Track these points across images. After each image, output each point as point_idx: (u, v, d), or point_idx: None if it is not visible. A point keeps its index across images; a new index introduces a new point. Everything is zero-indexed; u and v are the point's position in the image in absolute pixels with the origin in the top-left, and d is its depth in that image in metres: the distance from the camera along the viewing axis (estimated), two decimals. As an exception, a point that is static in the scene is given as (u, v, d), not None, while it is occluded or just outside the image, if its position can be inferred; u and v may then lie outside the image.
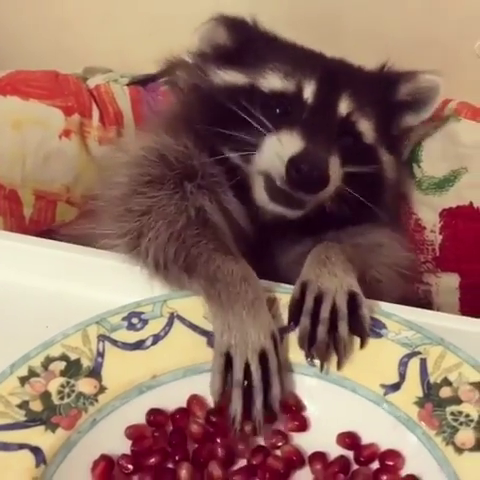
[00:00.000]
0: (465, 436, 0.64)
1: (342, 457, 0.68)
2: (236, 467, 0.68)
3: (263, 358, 0.71)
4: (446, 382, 0.68)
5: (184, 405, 0.71)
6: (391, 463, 0.67)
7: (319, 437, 0.70)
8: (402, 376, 0.69)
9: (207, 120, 0.93)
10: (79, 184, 1.15)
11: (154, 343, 0.73)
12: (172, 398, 0.71)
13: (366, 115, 0.96)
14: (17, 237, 0.88)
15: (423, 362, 0.70)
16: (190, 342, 0.74)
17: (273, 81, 0.96)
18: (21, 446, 0.64)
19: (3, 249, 0.85)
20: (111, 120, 1.18)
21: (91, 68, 1.23)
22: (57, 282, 0.82)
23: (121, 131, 1.17)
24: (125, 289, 0.78)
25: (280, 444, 0.69)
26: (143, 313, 0.75)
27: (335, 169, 0.88)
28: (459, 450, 0.64)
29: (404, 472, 0.66)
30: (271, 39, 1.03)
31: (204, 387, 0.71)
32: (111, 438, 0.68)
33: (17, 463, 0.63)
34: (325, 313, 0.74)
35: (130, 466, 0.67)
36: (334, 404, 0.71)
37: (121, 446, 0.68)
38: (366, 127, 0.96)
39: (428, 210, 1.07)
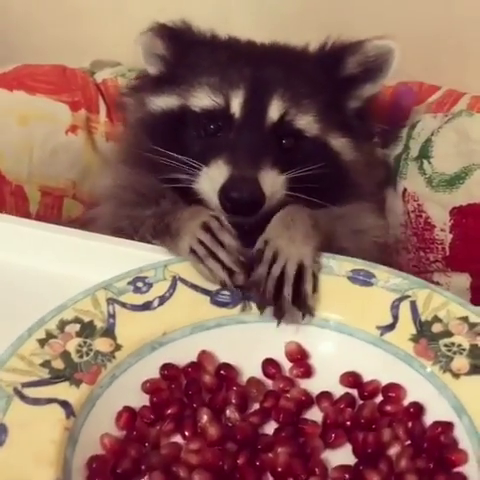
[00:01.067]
0: (460, 363, 0.71)
1: (347, 394, 0.73)
2: (251, 411, 0.73)
3: None
4: (436, 319, 0.74)
5: (194, 360, 0.75)
6: (393, 394, 0.72)
7: (324, 380, 0.75)
8: (395, 317, 0.75)
9: (152, 147, 0.94)
10: (86, 179, 1.16)
11: (161, 304, 0.77)
12: (183, 353, 0.75)
13: (304, 109, 0.95)
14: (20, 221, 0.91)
15: (413, 304, 0.76)
16: (194, 301, 0.78)
17: (202, 98, 0.96)
18: (49, 400, 0.66)
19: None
20: (118, 115, 1.16)
21: (99, 61, 1.23)
22: (59, 265, 0.85)
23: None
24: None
25: (288, 388, 0.74)
26: (147, 277, 0.79)
27: (270, 182, 0.89)
28: (456, 375, 0.70)
29: (406, 402, 0.72)
30: (205, 44, 1.01)
31: (212, 342, 0.76)
32: (130, 392, 0.72)
33: (49, 415, 0.65)
34: (275, 272, 0.79)
35: (152, 416, 0.70)
36: (335, 349, 0.76)
37: (140, 400, 0.72)
38: (306, 121, 0.95)
39: (438, 208, 1.02)
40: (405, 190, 1.06)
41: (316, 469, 0.66)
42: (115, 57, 1.24)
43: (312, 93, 0.97)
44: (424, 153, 1.04)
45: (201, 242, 0.81)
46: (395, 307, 0.76)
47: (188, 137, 0.96)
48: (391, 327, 0.75)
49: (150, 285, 0.78)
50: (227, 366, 0.75)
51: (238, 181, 0.88)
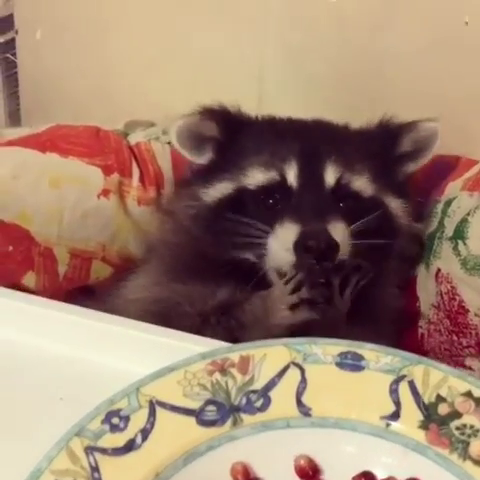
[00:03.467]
0: (478, 447, 0.67)
1: (362, 498, 0.68)
2: None
3: None
4: (440, 399, 0.70)
5: (194, 494, 0.68)
6: (416, 491, 0.68)
7: (336, 487, 0.69)
8: (397, 403, 0.71)
9: (211, 238, 0.99)
10: (115, 242, 1.14)
11: (145, 439, 0.68)
12: (180, 491, 0.67)
13: (358, 172, 1.01)
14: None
15: (412, 384, 0.71)
16: (179, 426, 0.69)
17: (257, 176, 1.00)
18: None
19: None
20: (151, 180, 1.16)
21: (133, 122, 1.21)
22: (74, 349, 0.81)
23: (161, 192, 1.16)
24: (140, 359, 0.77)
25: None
26: (121, 409, 0.69)
27: (340, 233, 0.94)
28: (477, 462, 0.67)
29: (430, 496, 0.68)
30: (251, 124, 1.06)
31: (209, 469, 0.68)
32: None
33: None
34: None
35: None
36: (339, 449, 0.71)
37: None
38: (361, 182, 1.01)
39: (473, 292, 0.99)
40: (439, 270, 1.03)
41: None
42: (149, 116, 1.23)
43: (365, 159, 1.03)
44: (459, 233, 1.00)
45: None
46: (394, 391, 0.71)
47: (248, 215, 0.98)
48: (396, 415, 0.70)
49: (127, 419, 0.69)
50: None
51: (311, 232, 0.92)
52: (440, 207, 1.07)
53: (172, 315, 0.94)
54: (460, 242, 1.00)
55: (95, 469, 0.65)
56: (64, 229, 1.12)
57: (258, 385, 0.72)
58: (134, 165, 1.17)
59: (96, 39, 1.32)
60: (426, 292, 1.06)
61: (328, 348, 0.74)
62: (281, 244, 0.94)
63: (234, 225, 0.98)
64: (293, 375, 0.73)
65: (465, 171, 1.10)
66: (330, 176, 1.00)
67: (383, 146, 1.06)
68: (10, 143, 1.15)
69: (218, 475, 0.68)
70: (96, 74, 1.29)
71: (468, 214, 1.01)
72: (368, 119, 1.06)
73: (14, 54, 1.46)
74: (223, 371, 0.73)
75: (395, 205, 1.04)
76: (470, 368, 1.00)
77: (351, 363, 0.73)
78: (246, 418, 0.70)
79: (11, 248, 1.09)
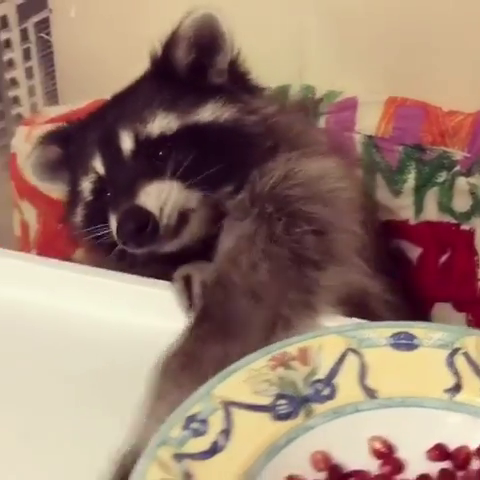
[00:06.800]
0: None
1: (443, 470, 0.70)
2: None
3: None
4: (497, 365, 0.74)
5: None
6: (490, 454, 0.71)
7: (413, 463, 0.71)
8: (457, 375, 0.73)
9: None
10: None
11: (227, 439, 0.68)
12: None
13: (149, 117, 0.94)
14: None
15: (467, 356, 0.74)
16: (256, 423, 0.69)
17: (85, 186, 0.98)
18: None
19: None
20: None
21: None
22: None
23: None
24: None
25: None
26: (197, 414, 0.69)
27: (158, 194, 0.88)
28: None
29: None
30: (73, 135, 1.02)
31: (291, 461, 0.68)
32: None
33: None
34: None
35: None
36: (410, 426, 0.72)
37: None
38: (158, 125, 0.93)
39: None
40: None
41: None
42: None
43: (150, 100, 0.96)
44: None
45: None
46: (451, 364, 0.74)
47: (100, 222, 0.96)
48: (457, 387, 0.73)
49: (205, 422, 0.68)
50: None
51: (122, 216, 0.88)
52: None
53: None
54: None
55: (188, 475, 0.64)
56: None
57: (321, 374, 0.73)
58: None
59: (131, 15, 1.30)
60: None
61: (380, 331, 0.76)
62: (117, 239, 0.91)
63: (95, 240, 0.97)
64: (352, 361, 0.74)
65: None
66: (125, 141, 0.94)
67: (163, 75, 0.98)
68: (52, 120, 1.19)
69: (300, 466, 0.69)
70: (131, 51, 1.23)
71: None
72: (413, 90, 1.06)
73: (48, 33, 1.45)
74: (285, 365, 0.73)
75: (217, 111, 0.95)
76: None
77: (405, 343, 0.76)
78: (317, 407, 0.71)
79: (60, 226, 1.11)
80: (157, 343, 0.78)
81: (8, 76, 1.49)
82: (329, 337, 0.76)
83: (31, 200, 1.31)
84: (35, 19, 1.45)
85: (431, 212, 1.20)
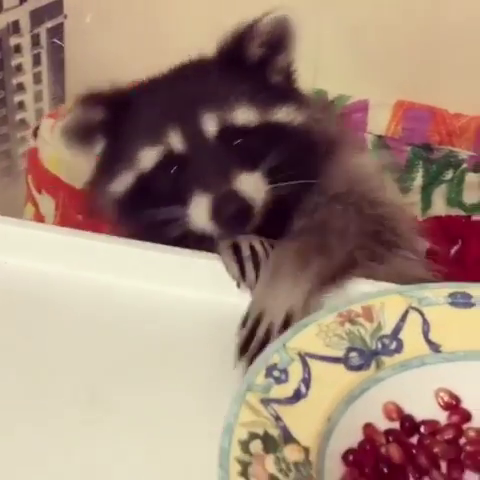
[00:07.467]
0: None
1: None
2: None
3: None
4: None
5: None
6: None
7: (476, 415, 0.73)
8: (518, 329, 0.77)
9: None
10: None
11: (307, 387, 0.69)
12: (350, 433, 0.69)
13: (233, 106, 0.94)
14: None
15: (525, 311, 0.78)
16: (332, 373, 0.71)
17: (148, 157, 0.95)
18: None
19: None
20: None
21: None
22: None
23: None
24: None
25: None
26: (277, 364, 0.70)
27: (250, 183, 0.90)
28: None
29: None
30: (132, 100, 0.99)
31: (365, 411, 0.70)
32: None
33: None
34: (260, 333, 0.80)
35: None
36: (473, 378, 0.75)
37: None
38: (241, 116, 0.95)
39: None
40: None
41: None
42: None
43: (231, 88, 0.96)
44: None
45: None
46: (510, 319, 0.77)
47: (158, 199, 0.94)
48: (521, 339, 0.76)
49: (285, 371, 0.70)
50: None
51: (221, 198, 0.89)
52: None
53: None
54: None
55: (278, 418, 0.65)
56: None
57: (387, 330, 0.75)
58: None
59: (146, 23, 1.30)
60: None
61: (437, 291, 0.79)
62: (199, 219, 0.91)
63: (149, 216, 0.94)
64: (414, 318, 0.77)
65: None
66: (210, 124, 0.93)
67: (233, 67, 0.98)
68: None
69: (373, 415, 0.71)
70: (146, 59, 1.25)
71: None
72: (427, 90, 1.11)
73: (61, 39, 1.44)
74: (352, 321, 0.75)
75: (284, 113, 0.97)
76: None
77: (462, 301, 0.79)
78: (386, 360, 0.74)
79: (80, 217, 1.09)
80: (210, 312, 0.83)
81: (15, 81, 1.48)
82: (390, 296, 0.78)
83: (50, 191, 1.30)
84: (49, 25, 1.45)
85: (439, 208, 1.26)
